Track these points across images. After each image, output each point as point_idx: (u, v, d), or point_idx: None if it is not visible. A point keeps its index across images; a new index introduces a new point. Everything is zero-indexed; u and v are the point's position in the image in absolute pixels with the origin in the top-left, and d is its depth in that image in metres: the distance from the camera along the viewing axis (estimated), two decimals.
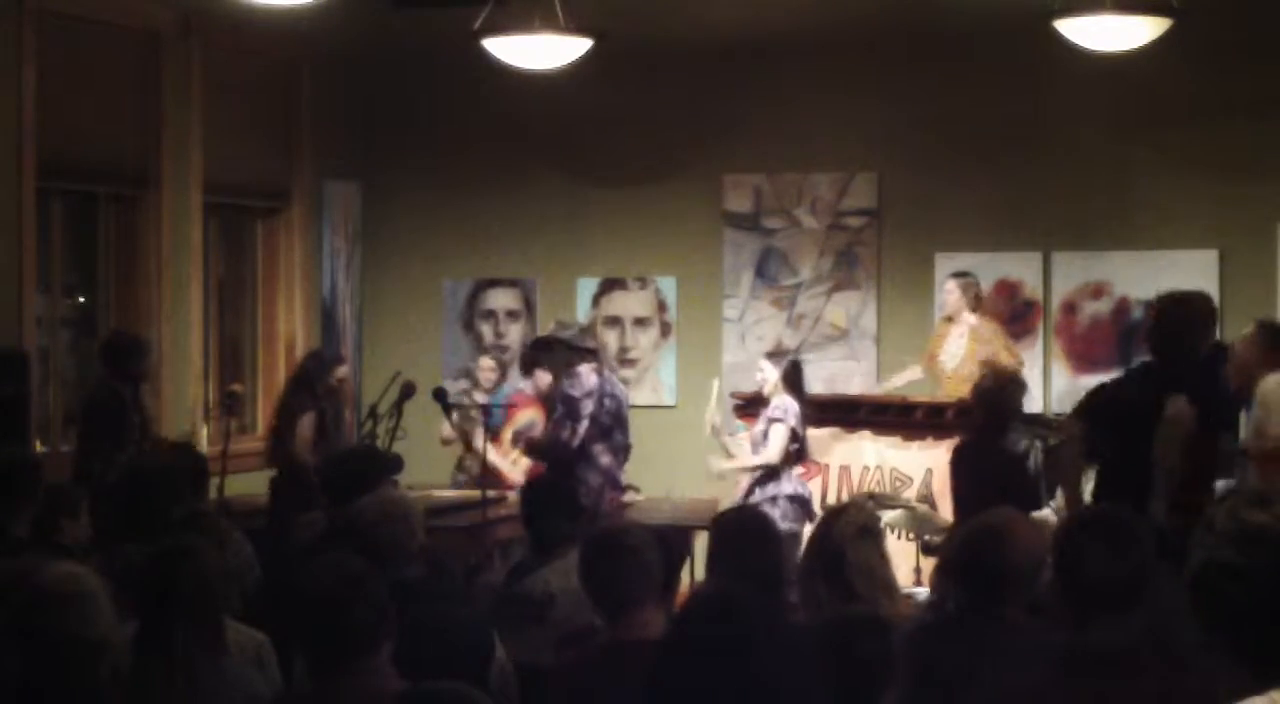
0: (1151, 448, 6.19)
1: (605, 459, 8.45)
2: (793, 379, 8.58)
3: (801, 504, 8.37)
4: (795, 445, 8.49)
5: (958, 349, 9.66)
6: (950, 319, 9.76)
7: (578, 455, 8.33)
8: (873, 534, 4.74)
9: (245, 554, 6.11)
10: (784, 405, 8.39)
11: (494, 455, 9.33)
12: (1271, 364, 7.22)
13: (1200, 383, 6.44)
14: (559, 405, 8.39)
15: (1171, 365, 6.41)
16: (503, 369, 10.38)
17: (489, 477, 9.14)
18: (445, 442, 9.79)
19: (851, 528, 4.63)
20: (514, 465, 9.45)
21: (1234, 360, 7.54)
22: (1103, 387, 6.84)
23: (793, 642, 2.90)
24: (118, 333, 9.03)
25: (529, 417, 9.51)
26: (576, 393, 8.35)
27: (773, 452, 8.37)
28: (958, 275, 9.78)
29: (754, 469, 8.49)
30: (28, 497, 6.02)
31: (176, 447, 7.73)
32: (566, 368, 8.48)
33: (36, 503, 6.03)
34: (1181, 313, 6.53)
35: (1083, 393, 7.02)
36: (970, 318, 9.68)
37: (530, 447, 8.84)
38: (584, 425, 8.33)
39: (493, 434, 9.36)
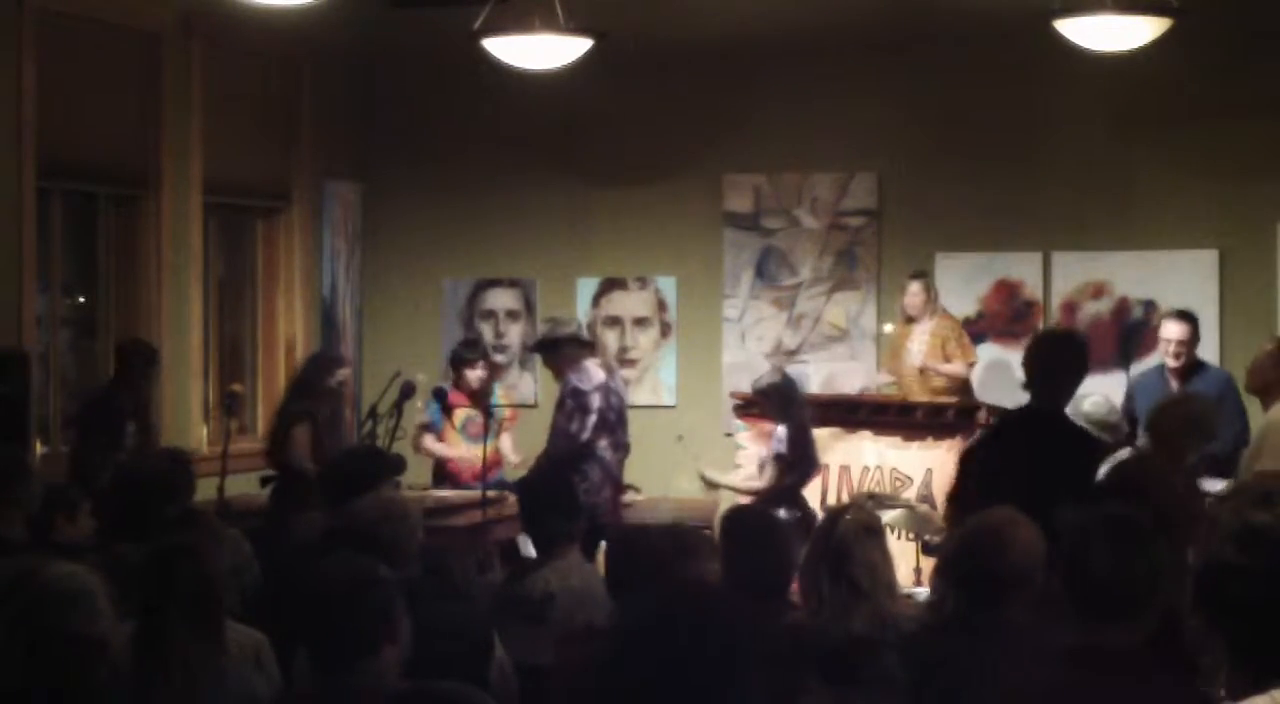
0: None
1: (608, 455, 8.45)
2: (782, 406, 8.28)
3: (803, 523, 8.18)
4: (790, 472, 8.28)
5: (920, 347, 9.73)
6: (912, 320, 9.83)
7: (583, 450, 8.33)
8: (876, 533, 4.74)
9: (243, 553, 6.10)
10: (782, 436, 8.27)
11: (441, 447, 9.30)
12: None
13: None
14: (567, 400, 8.35)
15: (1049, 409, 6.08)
16: (491, 371, 10.15)
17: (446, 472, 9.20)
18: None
19: (856, 526, 4.63)
20: (466, 453, 9.31)
21: (1253, 370, 7.62)
22: (972, 453, 6.45)
23: (732, 639, 2.86)
24: (129, 340, 8.99)
25: (466, 413, 9.41)
26: (586, 386, 8.35)
27: (765, 483, 8.29)
28: (918, 276, 9.85)
29: (748, 493, 8.37)
30: (16, 497, 5.99)
31: (166, 452, 7.72)
32: (572, 363, 8.47)
33: (25, 504, 6.00)
34: (1059, 354, 6.15)
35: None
36: (930, 318, 9.76)
37: (541, 458, 8.61)
38: (593, 419, 8.32)
39: (437, 434, 9.36)
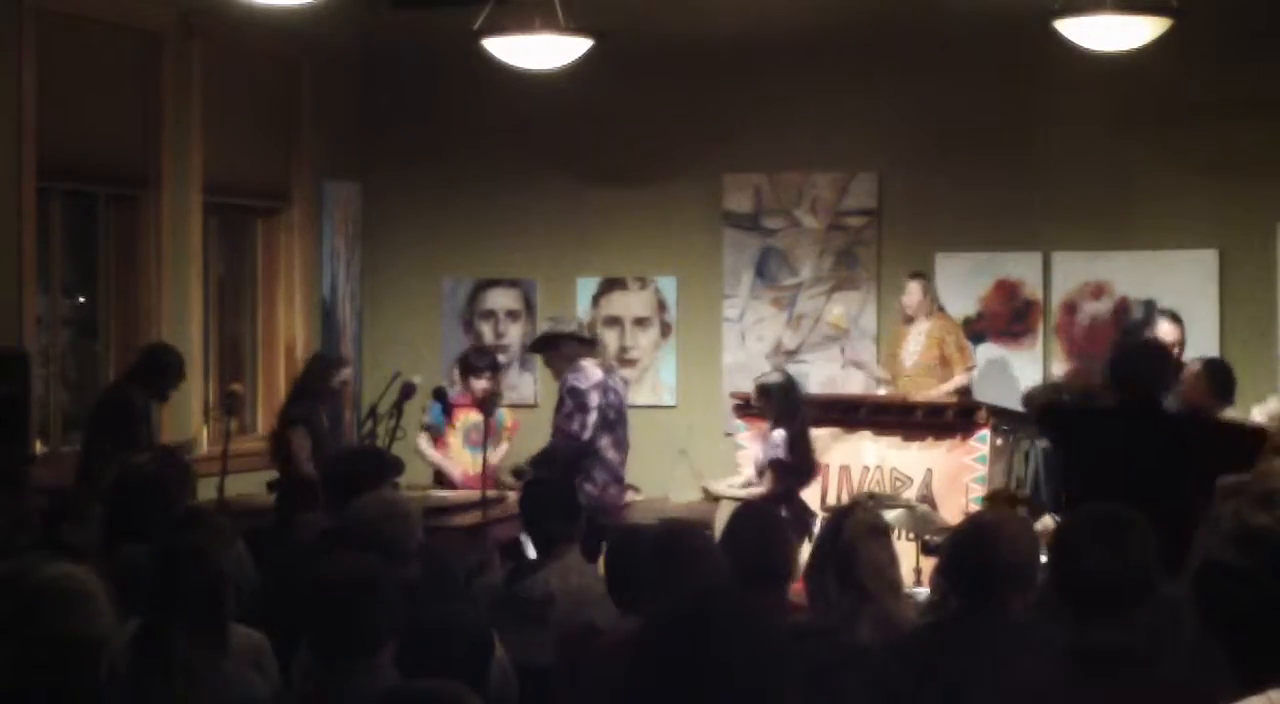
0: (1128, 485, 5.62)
1: (611, 454, 8.44)
2: (785, 407, 8.34)
3: (799, 524, 8.21)
4: (788, 476, 8.31)
5: (916, 347, 9.75)
6: (910, 319, 9.84)
7: (587, 449, 8.31)
8: (882, 533, 4.74)
9: (239, 553, 6.10)
10: (779, 441, 8.29)
11: (436, 453, 9.26)
12: (1216, 402, 7.46)
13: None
14: (566, 400, 8.33)
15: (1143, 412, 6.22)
16: (495, 385, 10.14)
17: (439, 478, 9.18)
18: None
19: (862, 527, 4.63)
20: (455, 464, 9.31)
21: (1183, 394, 7.79)
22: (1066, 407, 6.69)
23: (765, 641, 2.87)
24: (163, 347, 8.81)
25: (471, 420, 9.33)
26: (583, 385, 8.33)
27: (764, 488, 8.33)
28: (916, 276, 9.86)
29: (748, 496, 8.40)
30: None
31: (165, 450, 7.70)
32: (571, 362, 8.46)
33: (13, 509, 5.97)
34: (1149, 363, 6.37)
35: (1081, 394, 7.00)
36: (928, 318, 9.76)
37: (541, 455, 8.59)
38: (593, 416, 8.30)
39: (438, 437, 9.29)
